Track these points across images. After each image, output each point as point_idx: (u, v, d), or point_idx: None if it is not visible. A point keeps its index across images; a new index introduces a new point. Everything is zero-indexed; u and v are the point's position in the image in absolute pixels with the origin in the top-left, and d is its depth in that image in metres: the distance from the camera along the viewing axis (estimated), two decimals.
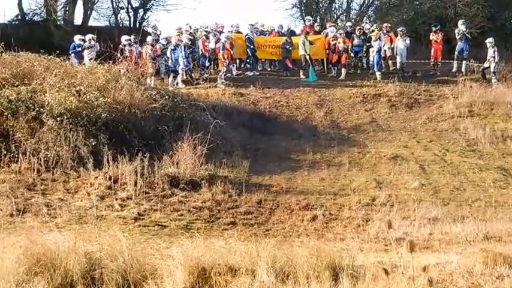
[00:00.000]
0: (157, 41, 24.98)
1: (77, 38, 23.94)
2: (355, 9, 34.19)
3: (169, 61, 23.63)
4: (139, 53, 23.79)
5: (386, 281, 7.37)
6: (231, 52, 24.52)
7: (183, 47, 23.61)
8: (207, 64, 24.71)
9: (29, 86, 16.15)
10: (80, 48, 23.52)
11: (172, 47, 23.55)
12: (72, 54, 22.95)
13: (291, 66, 25.73)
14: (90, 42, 23.60)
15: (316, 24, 27.98)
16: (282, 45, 25.62)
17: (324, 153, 17.99)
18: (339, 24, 30.08)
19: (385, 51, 25.36)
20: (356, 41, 25.63)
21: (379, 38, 24.97)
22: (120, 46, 23.52)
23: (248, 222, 12.80)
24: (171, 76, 23.65)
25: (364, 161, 17.49)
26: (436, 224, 12.28)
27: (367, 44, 25.65)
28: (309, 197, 14.38)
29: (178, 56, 23.45)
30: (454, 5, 29.17)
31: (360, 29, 26.29)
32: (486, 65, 23.84)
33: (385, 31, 25.62)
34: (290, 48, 25.43)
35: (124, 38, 24.41)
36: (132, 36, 24.65)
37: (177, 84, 23.39)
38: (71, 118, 15.22)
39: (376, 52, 24.80)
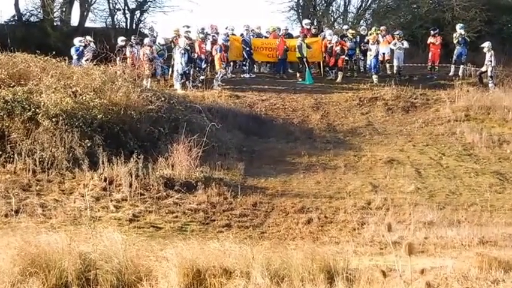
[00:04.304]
0: (154, 42, 24.90)
1: (76, 41, 23.75)
2: (353, 13, 34.25)
3: (179, 65, 23.07)
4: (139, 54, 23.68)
5: (381, 284, 7.37)
6: (226, 54, 24.43)
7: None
8: (204, 66, 24.63)
9: (25, 87, 16.12)
10: (81, 51, 23.36)
11: (183, 51, 23.14)
12: (75, 57, 22.84)
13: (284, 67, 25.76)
14: (85, 45, 23.53)
15: (312, 27, 27.95)
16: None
17: (319, 156, 17.99)
18: (336, 27, 30.07)
19: (383, 54, 25.37)
20: (348, 44, 25.62)
21: (377, 42, 24.97)
22: (117, 47, 23.45)
23: (243, 225, 12.78)
24: (183, 80, 23.16)
25: (360, 165, 17.48)
26: (432, 228, 12.26)
27: (363, 47, 25.68)
28: (304, 200, 14.36)
29: (187, 58, 23.18)
30: (452, 8, 29.18)
31: (351, 32, 26.28)
32: (483, 69, 23.87)
33: (382, 34, 25.62)
34: (286, 51, 25.42)
35: (120, 39, 24.34)
36: (133, 38, 24.60)
37: (193, 85, 23.21)
38: (67, 119, 15.18)
39: (374, 56, 24.79)
